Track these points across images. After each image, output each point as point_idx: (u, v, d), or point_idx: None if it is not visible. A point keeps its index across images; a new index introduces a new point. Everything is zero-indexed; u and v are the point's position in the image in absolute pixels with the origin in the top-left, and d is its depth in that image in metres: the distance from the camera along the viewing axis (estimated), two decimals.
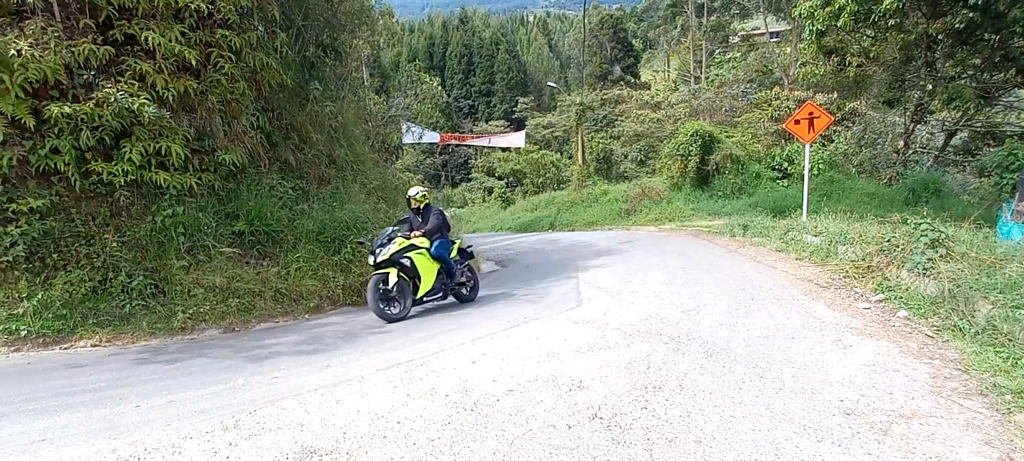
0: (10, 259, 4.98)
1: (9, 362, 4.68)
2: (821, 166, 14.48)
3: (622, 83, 39.66)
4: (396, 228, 6.11)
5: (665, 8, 41.88)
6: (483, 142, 31.93)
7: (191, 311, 5.52)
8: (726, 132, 18.62)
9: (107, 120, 4.92)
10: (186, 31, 5.41)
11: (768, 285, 5.97)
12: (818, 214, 8.68)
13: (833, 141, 16.88)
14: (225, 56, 5.70)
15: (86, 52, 4.83)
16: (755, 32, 36.38)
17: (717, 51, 35.01)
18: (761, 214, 11.22)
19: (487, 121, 49.51)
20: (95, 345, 5.09)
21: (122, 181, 5.21)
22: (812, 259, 6.96)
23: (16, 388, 3.86)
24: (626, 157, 27.40)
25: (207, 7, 5.42)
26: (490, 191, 34.25)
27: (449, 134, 32.91)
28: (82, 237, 5.32)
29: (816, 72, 13.65)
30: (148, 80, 5.18)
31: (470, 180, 40.57)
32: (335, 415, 2.97)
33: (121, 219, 5.51)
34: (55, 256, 5.19)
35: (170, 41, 5.20)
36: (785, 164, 15.91)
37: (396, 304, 5.73)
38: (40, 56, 4.62)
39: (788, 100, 18.94)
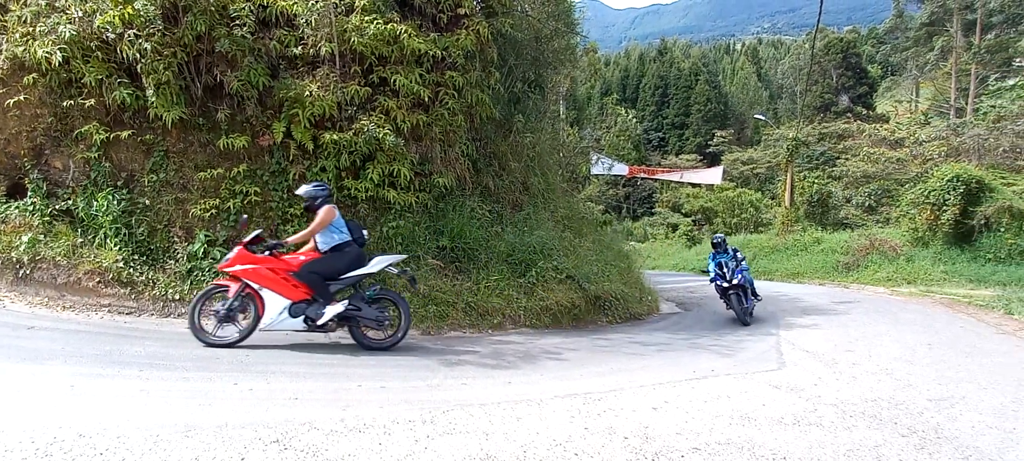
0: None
1: (265, 334, 6.03)
2: None
3: (849, 115, 34.12)
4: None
5: (918, 27, 34.88)
6: (674, 177, 30.66)
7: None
8: (1004, 178, 14.55)
9: (359, 146, 6.08)
10: (423, 73, 6.41)
11: None
12: None
13: None
14: (450, 93, 6.60)
15: (352, 92, 6.08)
16: None
17: (992, 77, 27.73)
18: None
19: (677, 154, 47.49)
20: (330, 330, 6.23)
21: (363, 196, 6.35)
22: None
23: (279, 354, 4.93)
24: (848, 201, 23.42)
25: (441, 53, 6.36)
26: (674, 228, 32.66)
27: (638, 167, 32.48)
28: None
29: None
30: (391, 115, 6.27)
31: (653, 214, 39.31)
32: (516, 431, 3.11)
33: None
34: None
35: (411, 82, 6.23)
36: None
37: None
38: (322, 96, 5.96)
39: None
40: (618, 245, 11.25)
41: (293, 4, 5.82)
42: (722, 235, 9.03)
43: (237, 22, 5.69)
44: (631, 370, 5.00)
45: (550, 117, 11.32)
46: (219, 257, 6.22)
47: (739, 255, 8.30)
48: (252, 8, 5.75)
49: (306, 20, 5.85)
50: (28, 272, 6.07)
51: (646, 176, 33.87)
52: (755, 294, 8.34)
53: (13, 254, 6.01)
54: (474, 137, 7.61)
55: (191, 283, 6.19)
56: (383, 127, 6.09)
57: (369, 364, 4.68)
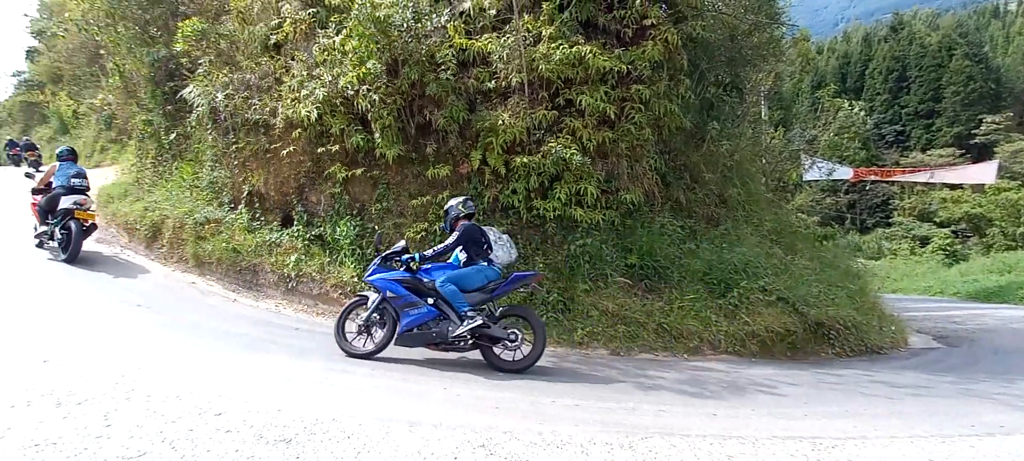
0: None
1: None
2: None
3: None
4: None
5: None
6: (920, 177, 24.68)
7: (588, 329, 6.29)
8: None
9: (547, 168, 6.25)
10: (608, 90, 6.32)
11: None
12: None
13: None
14: (636, 108, 6.38)
15: (540, 117, 6.31)
16: None
17: None
18: None
19: (924, 150, 38.22)
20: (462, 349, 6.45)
21: (551, 215, 6.48)
22: None
23: (481, 361, 5.26)
24: None
25: (626, 67, 6.20)
26: (923, 241, 26.18)
27: (866, 169, 26.99)
28: (524, 258, 6.91)
29: None
30: (577, 134, 6.31)
31: (889, 225, 32.24)
32: None
33: (547, 246, 6.85)
34: None
35: (596, 101, 6.19)
36: None
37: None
38: (513, 123, 6.30)
39: None
40: (845, 263, 9.39)
41: (487, 43, 6.32)
42: None
43: (442, 67, 6.42)
44: (874, 416, 4.04)
45: (750, 120, 10.12)
46: None
47: None
48: (454, 53, 6.42)
49: (499, 56, 6.29)
50: (294, 285, 7.70)
51: (878, 179, 28.01)
52: None
53: (284, 270, 7.70)
54: (662, 150, 7.20)
55: None
56: (569, 147, 6.16)
57: (561, 380, 4.68)
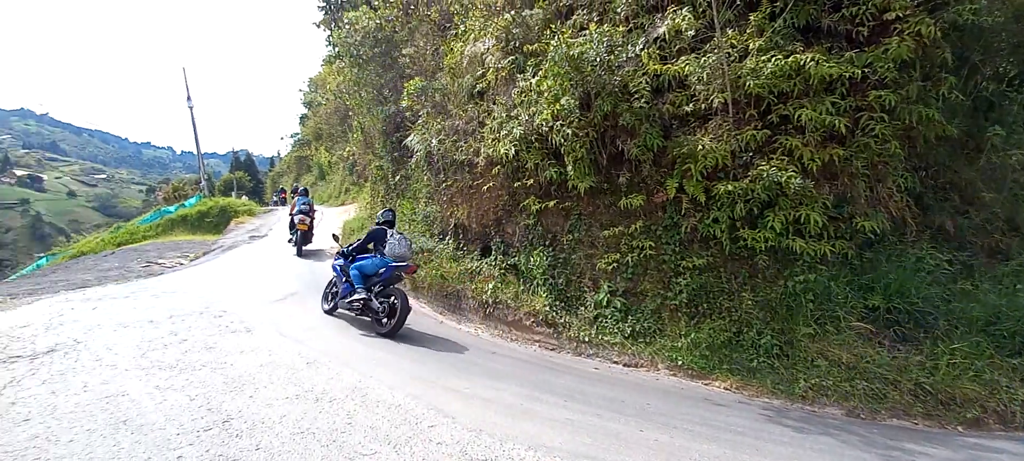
0: (677, 302, 6.46)
1: (669, 382, 6.02)
2: None
3: None
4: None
5: None
6: None
7: (813, 382, 5.32)
8: None
9: (757, 193, 5.55)
10: (836, 101, 5.38)
11: None
12: None
13: None
14: (876, 118, 5.28)
15: (748, 138, 5.67)
16: None
17: None
18: None
19: None
20: (726, 388, 5.76)
21: (762, 247, 5.71)
22: None
23: (678, 407, 4.84)
24: None
25: (861, 71, 5.21)
26: None
27: None
28: (726, 292, 6.22)
29: None
30: (795, 154, 5.49)
31: None
32: None
33: (757, 281, 6.05)
34: (705, 305, 6.31)
35: (820, 114, 5.32)
36: None
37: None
38: (715, 147, 5.79)
39: None
40: None
41: (684, 66, 5.98)
42: None
43: (635, 96, 6.27)
44: None
45: None
46: (619, 305, 6.82)
47: None
48: (647, 80, 6.22)
49: (698, 77, 5.89)
50: (491, 311, 8.21)
51: None
52: None
53: (483, 297, 8.28)
54: (917, 165, 5.80)
55: (597, 328, 6.98)
56: (785, 169, 5.38)
57: (781, 441, 3.99)
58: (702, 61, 5.90)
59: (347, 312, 7.51)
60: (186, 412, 4.24)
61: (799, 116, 5.43)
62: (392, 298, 6.80)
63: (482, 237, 9.19)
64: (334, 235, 8.94)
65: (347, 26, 12.64)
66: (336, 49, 13.99)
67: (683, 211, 6.31)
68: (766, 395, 5.51)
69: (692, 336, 6.16)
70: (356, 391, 4.81)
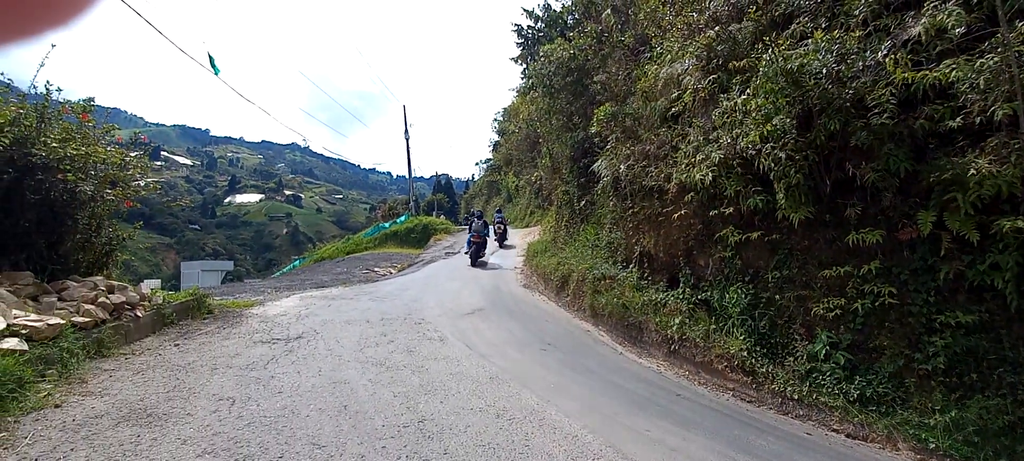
0: (929, 367, 5.12)
1: None
2: None
3: None
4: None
5: None
6: None
7: None
8: None
9: None
10: None
11: None
12: None
13: None
14: None
15: None
16: None
17: None
18: None
19: None
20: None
21: None
22: None
23: None
24: None
25: None
26: None
27: None
28: (1008, 362, 4.72)
29: None
30: None
31: None
32: None
33: None
34: (974, 376, 4.88)
35: None
36: None
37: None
38: (996, 172, 4.49)
39: None
40: None
41: (949, 71, 4.79)
42: None
43: (875, 110, 5.25)
44: None
45: None
46: (842, 360, 5.70)
47: None
48: (893, 91, 5.16)
49: (970, 84, 4.67)
50: (676, 348, 7.62)
51: None
52: None
53: (668, 332, 7.74)
54: None
55: (810, 384, 5.94)
56: None
57: None
58: (977, 64, 4.66)
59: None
60: (391, 407, 4.81)
61: None
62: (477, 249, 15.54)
63: (669, 267, 8.68)
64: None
65: (542, 58, 13.40)
66: (530, 81, 14.95)
67: (942, 252, 5.01)
68: None
69: (953, 414, 4.83)
70: (534, 414, 4.88)
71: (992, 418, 4.66)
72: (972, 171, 4.61)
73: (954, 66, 4.80)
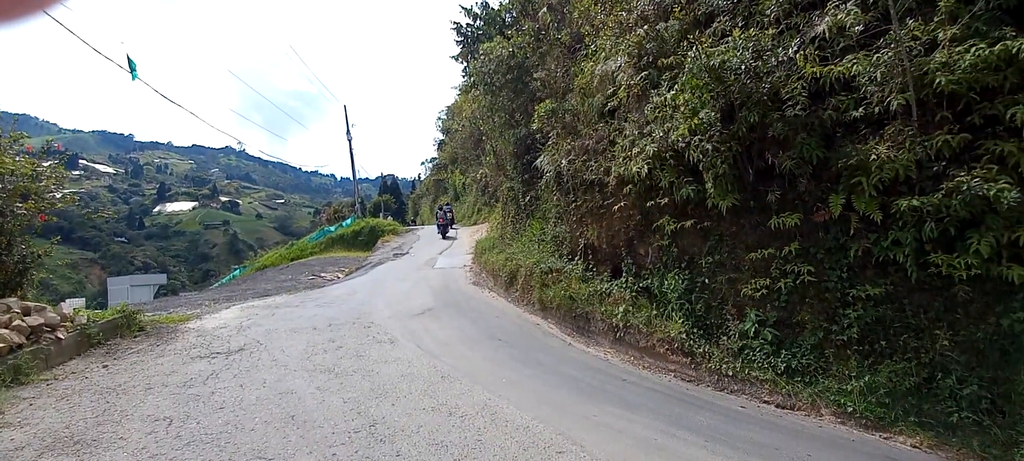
0: (845, 338, 5.58)
1: (836, 431, 5.19)
2: None
3: None
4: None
5: None
6: None
7: None
8: None
9: (955, 210, 4.60)
10: None
11: None
12: None
13: None
14: None
15: (938, 144, 4.75)
16: None
17: None
18: None
19: None
20: (915, 446, 4.81)
21: (963, 275, 4.70)
22: None
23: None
24: None
25: None
26: None
27: None
28: (911, 329, 5.23)
29: None
30: (1009, 161, 4.45)
31: None
32: None
33: (955, 316, 4.99)
34: (883, 343, 5.36)
35: None
36: None
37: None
38: (894, 157, 4.95)
39: None
40: None
41: (851, 66, 5.23)
42: None
43: (789, 102, 5.65)
44: None
45: None
46: (769, 336, 6.11)
47: None
48: (804, 84, 5.57)
49: (869, 77, 5.11)
50: (621, 335, 7.89)
51: None
52: None
53: (613, 320, 8.00)
54: None
55: (743, 360, 6.32)
56: (995, 181, 4.39)
57: None
58: (875, 58, 5.11)
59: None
60: (340, 413, 4.71)
61: (1012, 115, 4.40)
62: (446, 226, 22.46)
63: (612, 258, 8.95)
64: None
65: (482, 56, 13.41)
66: (471, 79, 14.91)
67: (852, 231, 5.48)
68: (973, 458, 4.50)
69: (866, 379, 5.29)
70: (486, 409, 4.94)
71: (900, 380, 5.13)
72: (874, 156, 5.06)
73: (855, 61, 5.24)
